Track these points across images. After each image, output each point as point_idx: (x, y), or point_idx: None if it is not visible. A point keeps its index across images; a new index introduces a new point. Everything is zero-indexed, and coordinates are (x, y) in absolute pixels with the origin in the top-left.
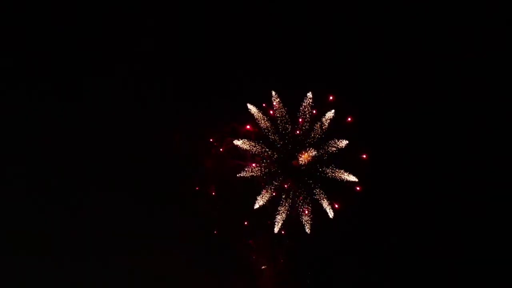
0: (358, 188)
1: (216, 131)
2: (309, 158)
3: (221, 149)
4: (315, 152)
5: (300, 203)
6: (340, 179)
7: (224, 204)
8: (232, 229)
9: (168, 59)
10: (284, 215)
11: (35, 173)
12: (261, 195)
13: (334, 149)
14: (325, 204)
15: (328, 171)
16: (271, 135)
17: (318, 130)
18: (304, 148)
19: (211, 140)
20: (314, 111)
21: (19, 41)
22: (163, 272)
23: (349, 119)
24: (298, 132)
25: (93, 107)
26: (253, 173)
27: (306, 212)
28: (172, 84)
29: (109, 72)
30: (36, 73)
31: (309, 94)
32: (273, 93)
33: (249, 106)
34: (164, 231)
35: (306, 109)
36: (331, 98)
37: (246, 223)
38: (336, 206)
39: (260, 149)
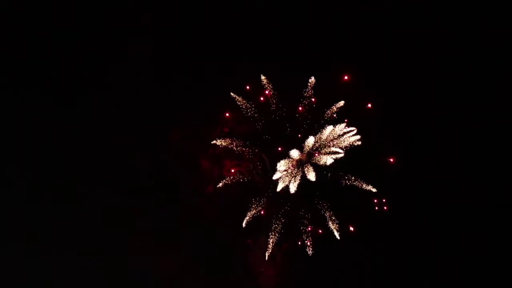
0: (384, 206)
1: (214, 131)
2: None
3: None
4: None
5: (302, 227)
6: (355, 188)
7: (223, 204)
8: (231, 229)
9: (165, 59)
10: (276, 235)
11: (36, 173)
12: (249, 211)
13: (341, 152)
14: (331, 223)
15: (329, 174)
16: (265, 134)
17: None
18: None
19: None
20: (313, 99)
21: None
22: (163, 272)
23: (369, 105)
24: (300, 136)
25: (91, 108)
26: (233, 180)
27: (309, 229)
28: (170, 84)
29: (106, 72)
30: (35, 72)
31: (312, 79)
32: (262, 77)
33: (233, 95)
34: (164, 231)
35: (308, 96)
36: (346, 78)
37: (244, 224)
38: (352, 229)
39: (243, 148)
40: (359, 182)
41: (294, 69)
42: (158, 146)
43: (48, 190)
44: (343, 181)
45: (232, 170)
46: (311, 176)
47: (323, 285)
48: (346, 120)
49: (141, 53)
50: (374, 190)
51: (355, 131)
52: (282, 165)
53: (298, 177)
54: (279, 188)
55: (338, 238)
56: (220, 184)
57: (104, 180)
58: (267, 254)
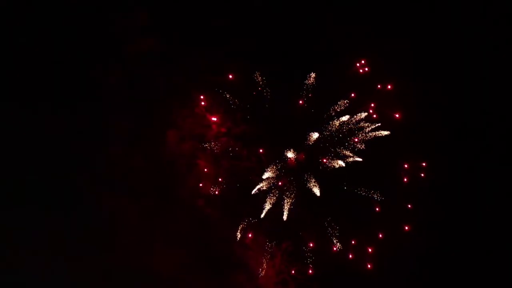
0: (406, 228)
1: (211, 131)
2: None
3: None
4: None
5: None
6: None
7: (223, 204)
8: (231, 229)
9: (164, 59)
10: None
11: (36, 173)
12: (240, 226)
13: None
14: (335, 240)
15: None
16: (260, 133)
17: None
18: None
19: (206, 146)
20: (310, 95)
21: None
22: (163, 272)
23: (397, 115)
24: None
25: (89, 108)
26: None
27: (311, 245)
28: (168, 84)
29: (105, 73)
30: (33, 72)
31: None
32: (257, 74)
33: (227, 95)
34: (163, 231)
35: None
36: (362, 63)
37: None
38: (370, 250)
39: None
40: (376, 195)
41: (296, 60)
42: (157, 146)
43: (48, 190)
44: (346, 187)
45: (220, 179)
46: (315, 189)
47: (323, 285)
48: (372, 104)
49: (139, 53)
50: (381, 198)
51: (378, 125)
52: (270, 171)
53: (292, 196)
54: (264, 213)
55: (340, 247)
56: (213, 190)
57: (103, 181)
58: (264, 259)
